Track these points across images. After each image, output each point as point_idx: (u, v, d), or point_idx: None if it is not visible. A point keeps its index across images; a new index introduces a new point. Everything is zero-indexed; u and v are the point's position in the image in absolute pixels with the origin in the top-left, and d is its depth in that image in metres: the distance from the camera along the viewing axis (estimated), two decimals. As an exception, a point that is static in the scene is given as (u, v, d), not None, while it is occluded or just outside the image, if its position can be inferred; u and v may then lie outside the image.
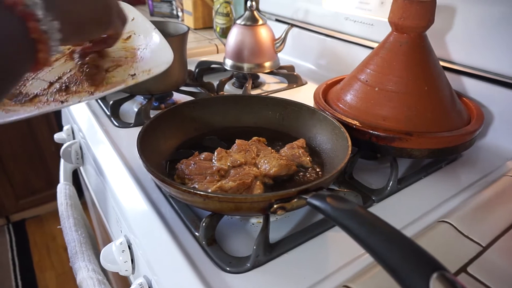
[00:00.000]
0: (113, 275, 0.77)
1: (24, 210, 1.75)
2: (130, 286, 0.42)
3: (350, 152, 0.43)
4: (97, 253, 0.59)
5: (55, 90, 0.48)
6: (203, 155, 0.47)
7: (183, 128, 0.54)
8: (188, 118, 0.55)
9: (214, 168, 0.44)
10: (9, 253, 1.61)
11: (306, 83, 0.86)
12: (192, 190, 0.36)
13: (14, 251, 1.62)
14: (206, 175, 0.43)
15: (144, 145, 0.44)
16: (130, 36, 0.60)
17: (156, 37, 0.56)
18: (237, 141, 0.50)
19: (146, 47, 0.55)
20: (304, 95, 0.80)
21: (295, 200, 0.36)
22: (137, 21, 0.61)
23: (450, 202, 0.47)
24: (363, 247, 0.27)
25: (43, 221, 1.81)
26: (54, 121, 1.62)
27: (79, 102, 0.46)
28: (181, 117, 0.54)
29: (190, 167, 0.44)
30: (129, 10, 0.62)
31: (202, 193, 0.35)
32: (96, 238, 0.96)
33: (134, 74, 0.50)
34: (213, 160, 0.46)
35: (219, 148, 0.48)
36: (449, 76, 0.56)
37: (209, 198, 0.35)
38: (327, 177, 0.38)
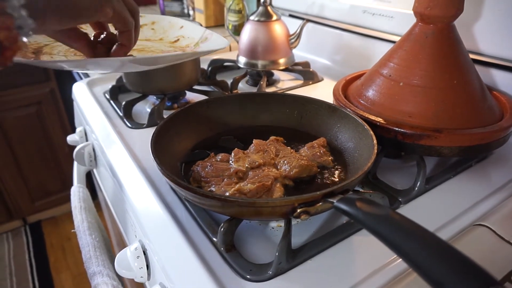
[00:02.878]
0: (128, 281, 0.76)
1: (40, 212, 1.76)
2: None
3: (375, 151, 0.40)
4: (111, 257, 0.58)
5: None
6: (219, 156, 0.45)
7: (197, 128, 0.52)
8: (203, 118, 0.53)
9: (232, 170, 0.42)
10: (26, 255, 1.62)
11: (322, 79, 0.83)
12: (210, 194, 0.33)
13: (31, 252, 1.64)
14: (223, 178, 0.41)
15: (158, 147, 0.42)
16: (178, 39, 0.66)
17: (209, 34, 0.63)
18: (254, 141, 0.47)
19: (198, 43, 0.60)
20: (321, 92, 0.77)
21: (320, 204, 0.33)
22: (187, 28, 0.68)
23: (484, 204, 0.43)
24: (401, 256, 0.25)
25: (59, 222, 1.82)
26: (68, 122, 1.63)
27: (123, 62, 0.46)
28: (195, 116, 0.52)
29: (207, 169, 0.42)
30: (177, 21, 0.71)
31: (220, 197, 0.33)
32: (111, 240, 0.95)
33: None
34: (230, 162, 0.44)
35: (236, 149, 0.46)
36: (478, 69, 0.52)
37: (228, 203, 0.33)
38: (353, 179, 0.35)
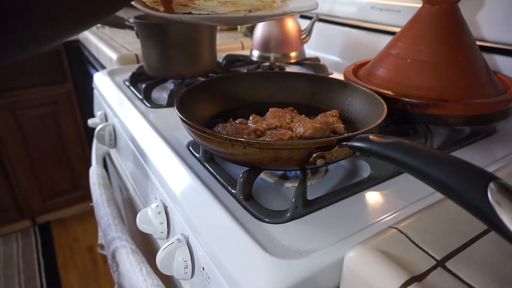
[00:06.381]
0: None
1: (50, 212, 1.79)
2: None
3: (386, 111, 0.43)
4: (126, 231, 0.60)
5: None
6: (238, 120, 0.48)
7: (216, 101, 0.55)
8: (221, 92, 0.56)
9: (251, 129, 0.45)
10: (35, 253, 1.64)
11: (332, 73, 0.87)
12: (233, 138, 0.36)
13: (39, 251, 1.65)
14: (243, 135, 0.44)
15: (182, 107, 0.45)
16: None
17: None
18: (271, 109, 0.51)
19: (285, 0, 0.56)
20: (331, 82, 0.81)
21: (335, 148, 0.36)
22: None
23: (491, 166, 0.46)
24: (413, 173, 0.27)
25: (68, 224, 1.84)
26: (82, 124, 1.68)
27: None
28: (214, 90, 0.55)
29: (227, 129, 0.45)
30: None
31: (243, 139, 0.36)
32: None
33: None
34: (249, 123, 0.47)
35: (253, 114, 0.49)
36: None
37: (250, 145, 0.36)
38: (367, 129, 0.38)
